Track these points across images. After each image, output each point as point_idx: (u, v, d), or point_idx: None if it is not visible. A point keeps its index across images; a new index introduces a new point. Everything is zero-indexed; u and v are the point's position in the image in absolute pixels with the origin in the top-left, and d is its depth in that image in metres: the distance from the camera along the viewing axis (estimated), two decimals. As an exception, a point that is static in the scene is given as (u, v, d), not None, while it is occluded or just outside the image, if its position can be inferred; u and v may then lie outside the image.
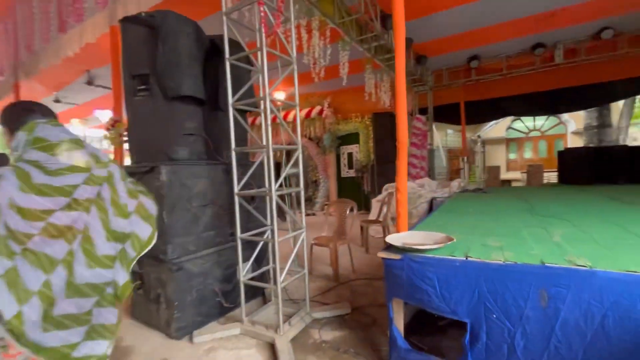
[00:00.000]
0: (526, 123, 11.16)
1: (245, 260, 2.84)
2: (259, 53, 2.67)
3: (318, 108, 9.11)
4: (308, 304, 2.62)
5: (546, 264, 1.44)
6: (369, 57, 5.32)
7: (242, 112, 3.11)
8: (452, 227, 2.44)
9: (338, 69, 4.73)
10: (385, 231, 4.85)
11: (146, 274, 2.56)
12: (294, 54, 2.50)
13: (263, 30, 2.16)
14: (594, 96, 6.70)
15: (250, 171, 2.60)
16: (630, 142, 8.84)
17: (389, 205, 4.73)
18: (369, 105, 8.23)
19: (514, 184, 10.17)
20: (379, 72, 5.83)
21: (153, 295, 2.53)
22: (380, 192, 6.95)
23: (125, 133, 4.14)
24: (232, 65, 2.94)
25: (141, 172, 2.47)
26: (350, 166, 9.12)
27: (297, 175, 2.63)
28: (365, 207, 8.46)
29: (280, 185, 2.45)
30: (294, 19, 2.55)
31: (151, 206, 1.71)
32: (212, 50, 2.90)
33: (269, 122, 2.22)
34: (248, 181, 2.65)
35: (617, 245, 1.73)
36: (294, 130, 2.54)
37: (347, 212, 3.79)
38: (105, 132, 4.08)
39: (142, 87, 2.59)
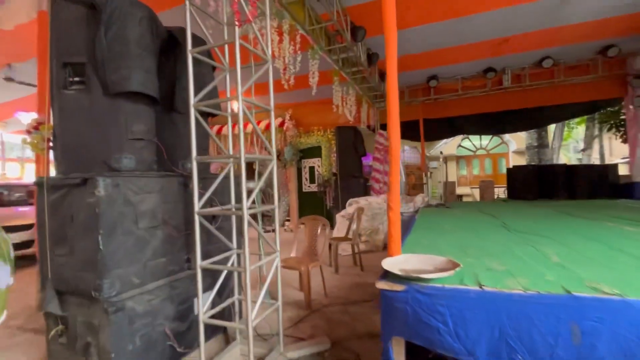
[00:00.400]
0: (474, 142, 12.01)
1: (204, 292, 2.38)
2: (226, 47, 2.35)
3: (279, 120, 8.80)
4: (282, 341, 2.23)
5: (574, 294, 1.26)
6: (336, 69, 5.20)
7: (203, 117, 2.70)
8: (440, 247, 2.26)
9: (302, 79, 4.50)
10: (354, 249, 4.62)
11: (71, 317, 1.98)
12: (269, 51, 2.19)
13: (236, 17, 1.83)
14: (535, 118, 7.33)
15: (214, 185, 2.18)
16: (559, 162, 9.89)
17: (358, 221, 4.52)
18: (331, 118, 8.15)
19: (465, 199, 10.74)
20: (344, 86, 5.73)
21: (80, 344, 1.95)
22: (344, 207, 6.77)
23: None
24: (193, 62, 2.55)
25: (69, 185, 1.93)
26: (312, 180, 8.87)
27: (263, 190, 2.27)
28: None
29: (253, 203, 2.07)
30: (268, 14, 2.25)
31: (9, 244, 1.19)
32: (169, 43, 2.48)
33: (242, 126, 1.86)
34: (210, 197, 2.23)
35: (618, 266, 1.65)
36: (259, 139, 2.20)
37: (319, 230, 3.49)
38: (26, 137, 3.33)
39: (76, 78, 2.07)
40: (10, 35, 4.43)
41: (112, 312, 1.81)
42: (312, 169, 8.91)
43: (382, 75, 6.30)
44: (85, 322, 1.91)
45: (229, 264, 2.30)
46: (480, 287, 1.40)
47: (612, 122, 6.83)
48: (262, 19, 2.34)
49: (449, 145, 12.17)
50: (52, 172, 2.58)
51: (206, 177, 2.57)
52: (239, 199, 2.54)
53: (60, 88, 2.08)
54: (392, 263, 1.71)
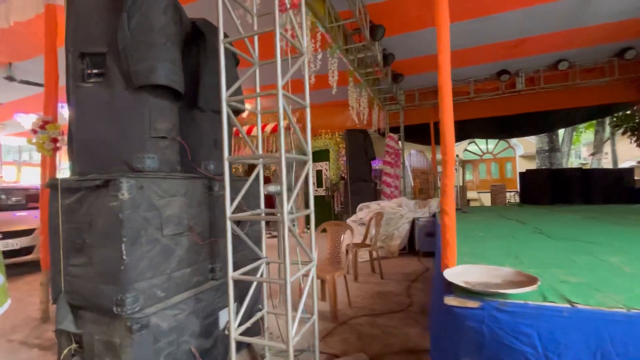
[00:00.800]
0: (480, 146, 11.92)
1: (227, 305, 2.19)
2: (255, 38, 2.18)
3: (285, 123, 8.62)
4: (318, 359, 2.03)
5: (692, 313, 1.09)
6: (351, 69, 5.06)
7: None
8: (490, 256, 2.08)
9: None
10: (372, 255, 4.43)
11: (87, 335, 1.77)
12: (305, 42, 2.03)
13: (280, 3, 1.66)
14: (547, 122, 7.23)
15: (245, 187, 2.00)
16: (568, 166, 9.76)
17: (377, 226, 4.34)
18: (339, 121, 8.01)
19: (472, 204, 10.59)
20: (358, 87, 5.59)
21: (97, 366, 1.74)
22: (354, 212, 6.59)
23: (61, 137, 3.24)
24: (216, 56, 2.38)
25: (87, 187, 1.73)
26: (319, 184, 8.69)
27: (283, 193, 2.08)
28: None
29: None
30: (303, 4, 2.09)
31: None
32: (193, 35, 2.31)
33: (282, 122, 1.69)
34: (239, 201, 2.04)
35: None
36: (266, 141, 2.03)
37: (342, 237, 3.30)
38: (32, 137, 3.13)
39: (95, 70, 1.89)
40: (11, 33, 4.24)
41: (137, 330, 1.61)
42: (319, 172, 8.73)
43: (395, 77, 6.17)
44: (103, 341, 1.70)
45: (259, 274, 2.11)
46: (571, 305, 1.22)
47: (626, 125, 6.73)
48: (293, 11, 2.18)
49: (456, 150, 12.07)
50: (57, 175, 2.37)
51: (231, 180, 2.38)
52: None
53: (77, 81, 1.89)
54: (453, 275, 1.53)
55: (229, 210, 1.82)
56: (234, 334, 1.80)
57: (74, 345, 1.82)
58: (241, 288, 2.34)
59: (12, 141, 12.85)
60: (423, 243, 5.31)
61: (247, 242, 2.02)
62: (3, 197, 6.38)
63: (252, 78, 2.39)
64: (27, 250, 5.03)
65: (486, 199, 10.24)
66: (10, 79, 5.59)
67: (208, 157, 2.37)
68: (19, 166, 17.57)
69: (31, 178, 16.58)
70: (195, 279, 2.05)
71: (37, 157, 19.93)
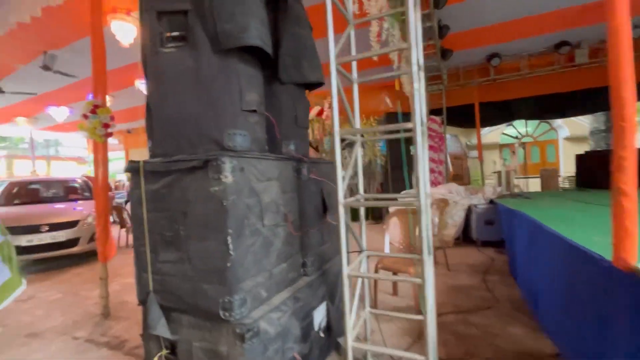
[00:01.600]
0: (518, 129, 11.24)
1: (320, 303, 1.94)
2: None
3: (317, 108, 8.28)
4: (436, 368, 1.74)
5: None
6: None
7: (301, 88, 2.23)
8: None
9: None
10: (435, 245, 4.11)
11: (183, 342, 1.53)
12: (418, -7, 1.68)
13: None
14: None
15: (350, 168, 1.69)
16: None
17: (441, 214, 3.99)
18: (373, 105, 7.61)
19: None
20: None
21: (196, 376, 1.51)
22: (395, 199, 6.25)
23: (112, 122, 3.02)
24: (292, 22, 2.08)
25: (180, 170, 1.47)
26: (353, 172, 8.36)
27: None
28: (372, 216, 7.73)
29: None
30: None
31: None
32: (272, -7, 1.99)
33: (417, 86, 1.36)
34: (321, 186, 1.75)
35: None
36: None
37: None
38: (83, 121, 2.92)
39: (176, 33, 1.60)
40: (46, 18, 4.03)
41: (249, 337, 1.35)
42: (353, 159, 8.38)
43: (444, 53, 5.68)
44: (205, 349, 1.46)
45: (362, 269, 1.82)
46: None
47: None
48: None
49: (492, 134, 11.43)
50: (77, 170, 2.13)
51: (316, 162, 2.10)
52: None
53: (155, 46, 1.61)
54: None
55: (341, 194, 1.52)
56: (350, 341, 1.53)
57: (164, 352, 1.59)
58: (329, 283, 2.08)
59: (43, 135, 13.02)
60: (482, 232, 4.93)
61: (352, 232, 1.73)
62: (43, 189, 6.37)
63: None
64: (72, 242, 4.95)
65: (529, 184, 9.66)
66: (46, 68, 5.44)
67: (289, 136, 2.08)
68: (48, 160, 17.99)
69: (61, 172, 16.96)
70: (290, 275, 1.78)
71: (63, 151, 20.37)
